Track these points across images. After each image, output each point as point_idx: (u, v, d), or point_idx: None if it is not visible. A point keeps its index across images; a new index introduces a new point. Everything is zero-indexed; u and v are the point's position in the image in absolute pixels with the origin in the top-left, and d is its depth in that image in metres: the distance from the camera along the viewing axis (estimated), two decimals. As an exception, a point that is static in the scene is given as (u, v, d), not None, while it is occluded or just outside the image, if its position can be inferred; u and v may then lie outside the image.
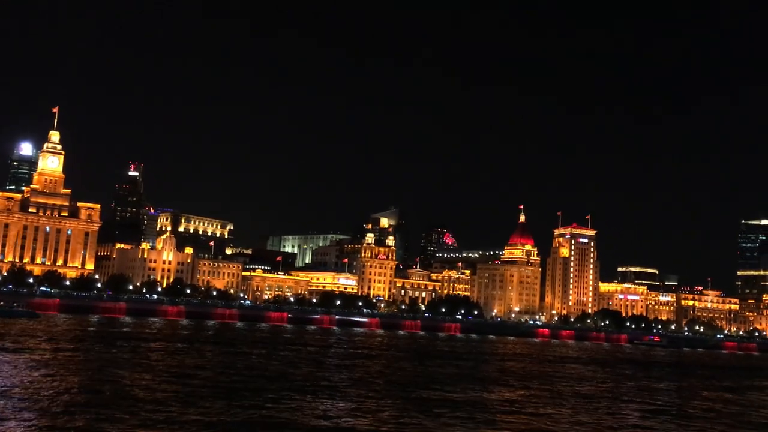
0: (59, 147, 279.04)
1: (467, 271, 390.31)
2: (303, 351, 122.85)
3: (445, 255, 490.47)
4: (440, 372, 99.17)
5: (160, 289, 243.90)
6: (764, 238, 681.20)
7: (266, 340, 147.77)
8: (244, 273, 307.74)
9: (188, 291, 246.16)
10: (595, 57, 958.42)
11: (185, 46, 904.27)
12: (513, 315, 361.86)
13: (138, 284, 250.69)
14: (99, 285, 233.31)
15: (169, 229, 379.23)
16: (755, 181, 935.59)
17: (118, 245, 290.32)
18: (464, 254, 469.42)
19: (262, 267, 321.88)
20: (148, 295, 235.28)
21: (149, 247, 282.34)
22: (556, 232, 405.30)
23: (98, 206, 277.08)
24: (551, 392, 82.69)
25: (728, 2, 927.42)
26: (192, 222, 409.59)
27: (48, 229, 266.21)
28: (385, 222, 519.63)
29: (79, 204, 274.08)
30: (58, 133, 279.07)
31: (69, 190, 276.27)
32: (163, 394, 60.68)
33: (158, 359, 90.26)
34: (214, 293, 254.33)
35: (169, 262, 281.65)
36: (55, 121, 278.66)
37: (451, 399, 69.99)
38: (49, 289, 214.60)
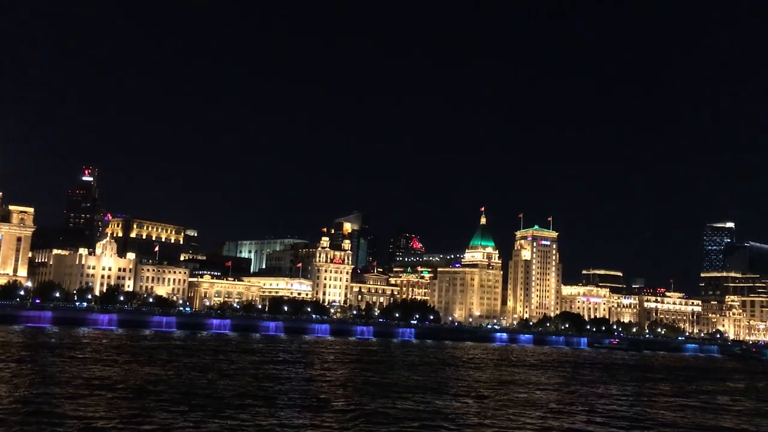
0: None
1: (427, 275, 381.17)
2: (227, 361, 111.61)
3: (406, 259, 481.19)
4: (372, 381, 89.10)
5: (90, 296, 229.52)
6: (729, 240, 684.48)
7: (194, 349, 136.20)
8: (191, 279, 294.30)
9: (122, 298, 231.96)
10: (555, 62, 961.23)
11: (154, 53, 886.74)
12: (471, 319, 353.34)
13: (73, 292, 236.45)
14: (22, 292, 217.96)
15: (120, 234, 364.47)
16: (720, 184, 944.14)
17: (55, 251, 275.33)
18: (425, 258, 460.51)
19: (211, 273, 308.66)
20: (78, 303, 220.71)
21: (87, 253, 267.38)
22: (518, 234, 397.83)
23: (32, 210, 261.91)
24: (483, 401, 73.10)
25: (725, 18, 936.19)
26: (145, 228, 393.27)
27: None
28: (348, 226, 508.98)
29: (11, 207, 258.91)
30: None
31: (0, 193, 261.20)
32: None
33: (50, 373, 79.10)
34: (151, 300, 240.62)
35: (109, 269, 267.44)
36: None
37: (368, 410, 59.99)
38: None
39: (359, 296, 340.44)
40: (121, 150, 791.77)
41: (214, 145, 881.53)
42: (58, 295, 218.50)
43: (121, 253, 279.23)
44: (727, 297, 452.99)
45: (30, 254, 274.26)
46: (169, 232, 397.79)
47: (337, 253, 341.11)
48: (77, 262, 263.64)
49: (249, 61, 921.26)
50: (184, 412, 58.15)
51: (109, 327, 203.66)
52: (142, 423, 52.43)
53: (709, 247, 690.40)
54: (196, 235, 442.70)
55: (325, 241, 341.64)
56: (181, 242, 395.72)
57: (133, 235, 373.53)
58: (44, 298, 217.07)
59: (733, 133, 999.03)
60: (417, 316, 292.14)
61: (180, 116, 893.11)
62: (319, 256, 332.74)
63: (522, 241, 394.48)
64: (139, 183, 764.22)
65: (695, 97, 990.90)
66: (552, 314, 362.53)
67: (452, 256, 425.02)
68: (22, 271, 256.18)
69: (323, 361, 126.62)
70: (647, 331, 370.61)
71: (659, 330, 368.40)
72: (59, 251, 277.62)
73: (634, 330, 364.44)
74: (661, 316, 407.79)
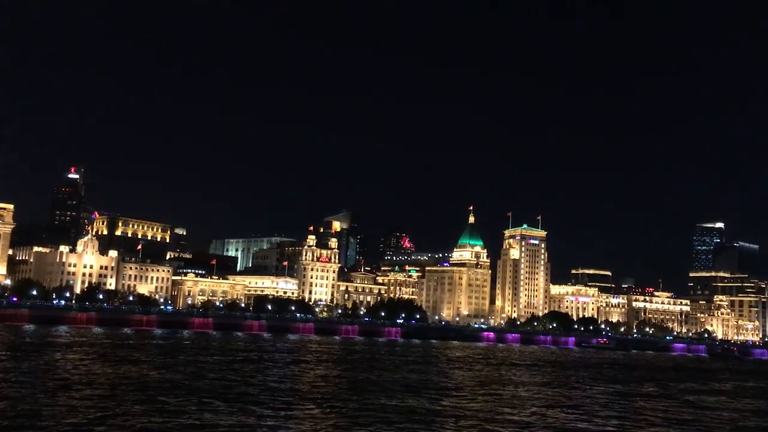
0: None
1: (414, 274, 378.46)
2: (202, 360, 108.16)
3: (396, 258, 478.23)
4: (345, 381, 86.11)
5: (68, 294, 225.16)
6: (718, 240, 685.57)
7: (171, 348, 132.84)
8: (174, 277, 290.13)
9: (101, 296, 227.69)
10: (554, 63, 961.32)
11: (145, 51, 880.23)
12: (459, 319, 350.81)
13: (52, 290, 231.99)
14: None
15: (105, 232, 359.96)
16: (710, 184, 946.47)
17: (36, 248, 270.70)
18: (414, 257, 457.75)
19: (195, 271, 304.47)
20: (57, 301, 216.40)
21: (68, 251, 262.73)
22: (507, 233, 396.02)
23: (11, 206, 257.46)
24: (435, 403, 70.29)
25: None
26: (130, 226, 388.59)
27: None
28: (337, 225, 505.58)
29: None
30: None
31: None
32: None
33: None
34: (132, 299, 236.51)
35: (91, 267, 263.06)
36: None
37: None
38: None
39: (346, 295, 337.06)
40: (112, 149, 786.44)
41: (206, 144, 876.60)
42: (35, 292, 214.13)
43: (105, 251, 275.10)
44: (715, 297, 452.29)
45: (11, 251, 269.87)
46: (155, 230, 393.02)
47: (324, 252, 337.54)
48: (58, 260, 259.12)
49: (249, 61, 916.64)
50: (146, 413, 55.11)
51: (87, 325, 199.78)
52: (102, 424, 49.40)
53: (699, 247, 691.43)
54: (184, 233, 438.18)
55: (311, 239, 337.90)
56: (168, 240, 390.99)
57: (118, 233, 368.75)
58: (22, 295, 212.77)
59: (724, 135, 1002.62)
60: (403, 315, 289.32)
61: (178, 116, 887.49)
62: (306, 255, 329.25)
63: (510, 240, 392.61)
64: (131, 182, 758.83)
65: (689, 99, 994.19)
66: (540, 314, 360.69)
67: (441, 255, 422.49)
68: (1, 269, 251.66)
69: (302, 360, 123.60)
70: (635, 330, 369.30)
71: (647, 329, 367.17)
72: (40, 249, 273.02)
73: (623, 329, 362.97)
74: (650, 315, 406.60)
